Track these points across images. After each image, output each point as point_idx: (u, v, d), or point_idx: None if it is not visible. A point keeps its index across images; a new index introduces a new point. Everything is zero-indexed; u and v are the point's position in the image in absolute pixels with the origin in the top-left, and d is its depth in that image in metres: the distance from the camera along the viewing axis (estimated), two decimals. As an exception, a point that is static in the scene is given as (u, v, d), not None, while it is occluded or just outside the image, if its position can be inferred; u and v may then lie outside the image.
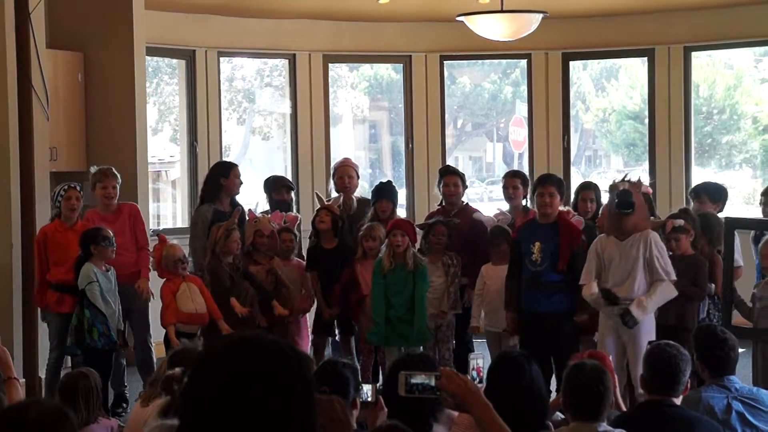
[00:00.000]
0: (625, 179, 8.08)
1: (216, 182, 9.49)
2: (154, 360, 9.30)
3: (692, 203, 9.51)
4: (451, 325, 9.09)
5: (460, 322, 9.17)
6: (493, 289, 8.94)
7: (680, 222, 8.35)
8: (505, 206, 9.69)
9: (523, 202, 9.56)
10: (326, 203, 9.54)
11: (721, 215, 9.15)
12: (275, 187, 10.10)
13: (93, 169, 9.46)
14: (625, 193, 7.90)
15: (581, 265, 8.10)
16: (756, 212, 10.26)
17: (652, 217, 8.39)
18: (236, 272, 8.90)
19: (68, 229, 8.98)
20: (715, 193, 9.48)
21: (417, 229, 9.23)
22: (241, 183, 9.53)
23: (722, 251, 8.41)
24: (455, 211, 9.39)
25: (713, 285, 8.42)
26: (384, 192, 9.56)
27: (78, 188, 9.09)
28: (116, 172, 9.34)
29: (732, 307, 8.20)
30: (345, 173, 9.81)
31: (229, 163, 10.05)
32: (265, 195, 10.19)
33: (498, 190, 11.43)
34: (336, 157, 11.81)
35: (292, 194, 10.32)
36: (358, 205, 9.76)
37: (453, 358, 8.96)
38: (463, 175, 9.71)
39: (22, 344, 9.18)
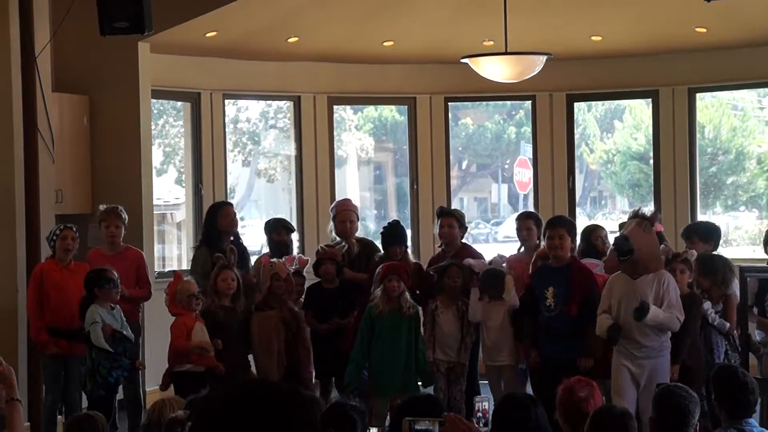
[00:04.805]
0: (639, 213, 8.03)
1: (209, 225, 9.66)
2: (142, 399, 9.33)
3: (684, 244, 9.47)
4: (464, 367, 9.06)
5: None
6: (492, 324, 8.91)
7: (694, 253, 8.35)
8: (516, 248, 9.68)
9: (539, 243, 9.51)
10: (329, 250, 9.53)
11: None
12: (275, 228, 10.14)
13: (101, 208, 9.49)
14: (621, 241, 7.86)
15: (596, 310, 8.05)
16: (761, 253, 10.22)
17: (662, 245, 8.35)
18: (232, 314, 8.89)
19: (63, 269, 8.99)
20: (706, 233, 9.42)
21: (424, 270, 9.24)
22: (234, 221, 9.60)
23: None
24: (453, 253, 9.37)
25: (728, 324, 8.38)
26: (394, 237, 9.56)
27: (74, 229, 9.08)
28: (121, 212, 9.36)
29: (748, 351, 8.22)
30: (347, 218, 9.83)
31: (216, 204, 10.14)
32: (266, 237, 10.23)
33: (503, 231, 11.42)
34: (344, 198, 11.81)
35: (292, 236, 10.34)
36: (360, 248, 9.77)
37: (464, 400, 8.95)
38: (461, 216, 9.68)
39: (27, 388, 9.15)
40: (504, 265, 9.22)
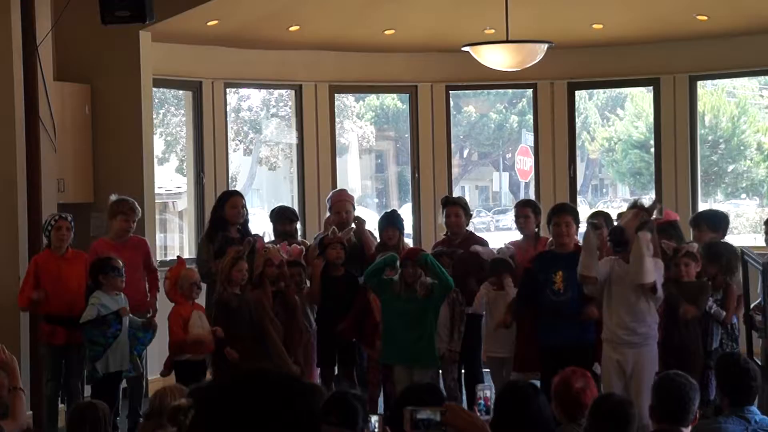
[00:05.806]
0: (638, 204, 8.03)
1: (216, 214, 9.66)
2: (144, 384, 9.36)
3: (692, 232, 9.48)
4: (456, 355, 9.07)
5: (467, 349, 9.15)
6: (495, 314, 8.92)
7: (694, 246, 8.34)
8: (517, 236, 9.68)
9: (540, 233, 9.51)
10: (337, 236, 9.56)
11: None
12: (279, 217, 10.15)
13: (113, 198, 9.49)
14: (617, 232, 7.85)
15: None
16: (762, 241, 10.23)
17: (665, 241, 8.35)
18: (243, 302, 8.90)
19: (59, 258, 9.00)
20: (715, 221, 9.44)
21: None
22: (240, 212, 9.57)
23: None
24: (459, 240, 9.41)
25: (724, 313, 8.39)
26: (390, 220, 9.61)
27: (68, 219, 9.09)
28: (137, 207, 9.42)
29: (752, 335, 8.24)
30: (342, 208, 9.89)
31: (225, 193, 10.15)
32: (272, 225, 10.26)
33: (505, 219, 11.44)
34: (342, 187, 11.82)
35: (296, 225, 10.33)
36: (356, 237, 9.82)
37: (461, 387, 8.95)
38: (466, 204, 9.73)
39: (29, 377, 9.18)
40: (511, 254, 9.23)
